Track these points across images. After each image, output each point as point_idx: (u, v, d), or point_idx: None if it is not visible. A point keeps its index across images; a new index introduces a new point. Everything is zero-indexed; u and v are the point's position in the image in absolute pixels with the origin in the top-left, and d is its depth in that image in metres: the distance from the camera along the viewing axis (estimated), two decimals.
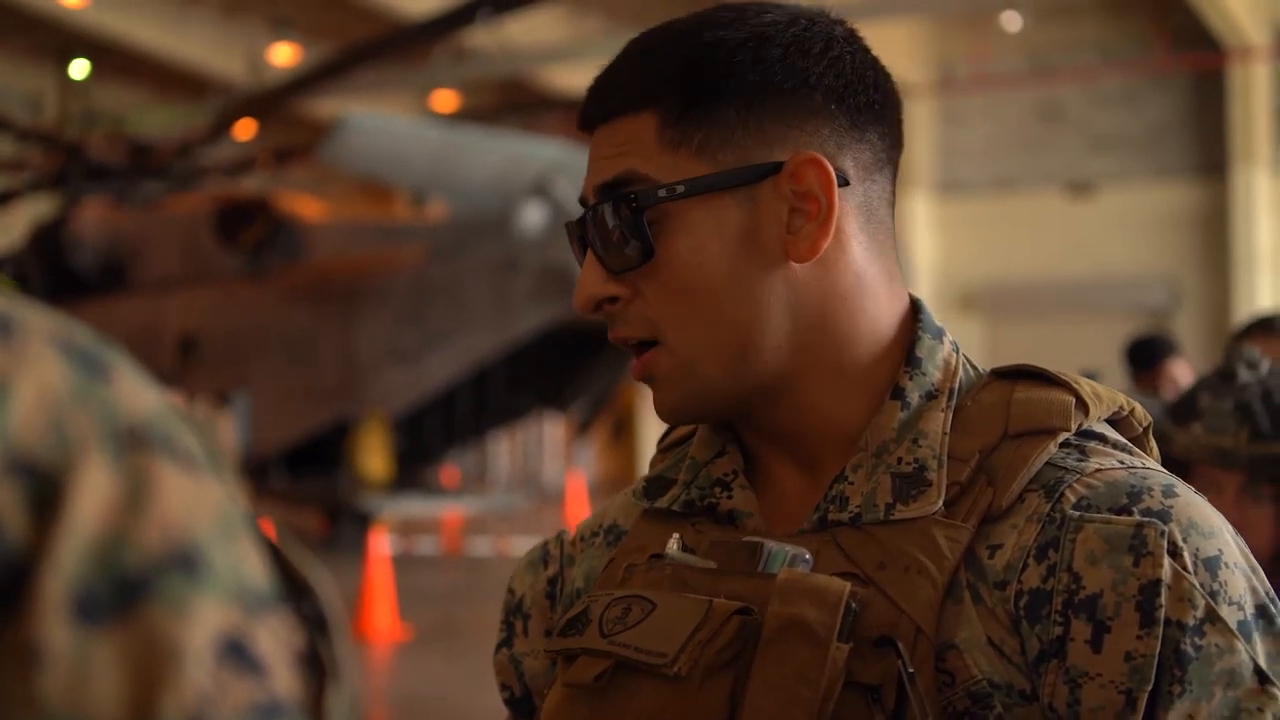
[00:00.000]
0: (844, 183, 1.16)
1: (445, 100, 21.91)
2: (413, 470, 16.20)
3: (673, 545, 1.19)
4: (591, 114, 1.20)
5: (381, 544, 10.93)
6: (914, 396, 1.17)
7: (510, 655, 1.35)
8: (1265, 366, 2.26)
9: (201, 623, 0.52)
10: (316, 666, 0.60)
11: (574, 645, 1.16)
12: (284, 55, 20.01)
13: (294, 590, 0.62)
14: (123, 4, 19.25)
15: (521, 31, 16.91)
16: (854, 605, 1.07)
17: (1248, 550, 1.10)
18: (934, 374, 1.18)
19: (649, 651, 1.10)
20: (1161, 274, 19.78)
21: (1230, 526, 1.11)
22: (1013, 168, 20.54)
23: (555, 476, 23.61)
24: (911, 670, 1.05)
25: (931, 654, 1.06)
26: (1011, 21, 19.54)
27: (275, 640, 0.55)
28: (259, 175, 18.78)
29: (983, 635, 1.07)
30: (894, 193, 1.22)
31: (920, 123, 20.83)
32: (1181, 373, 5.79)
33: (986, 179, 21.05)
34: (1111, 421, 1.20)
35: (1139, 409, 1.21)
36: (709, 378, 1.16)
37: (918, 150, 20.87)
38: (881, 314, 1.19)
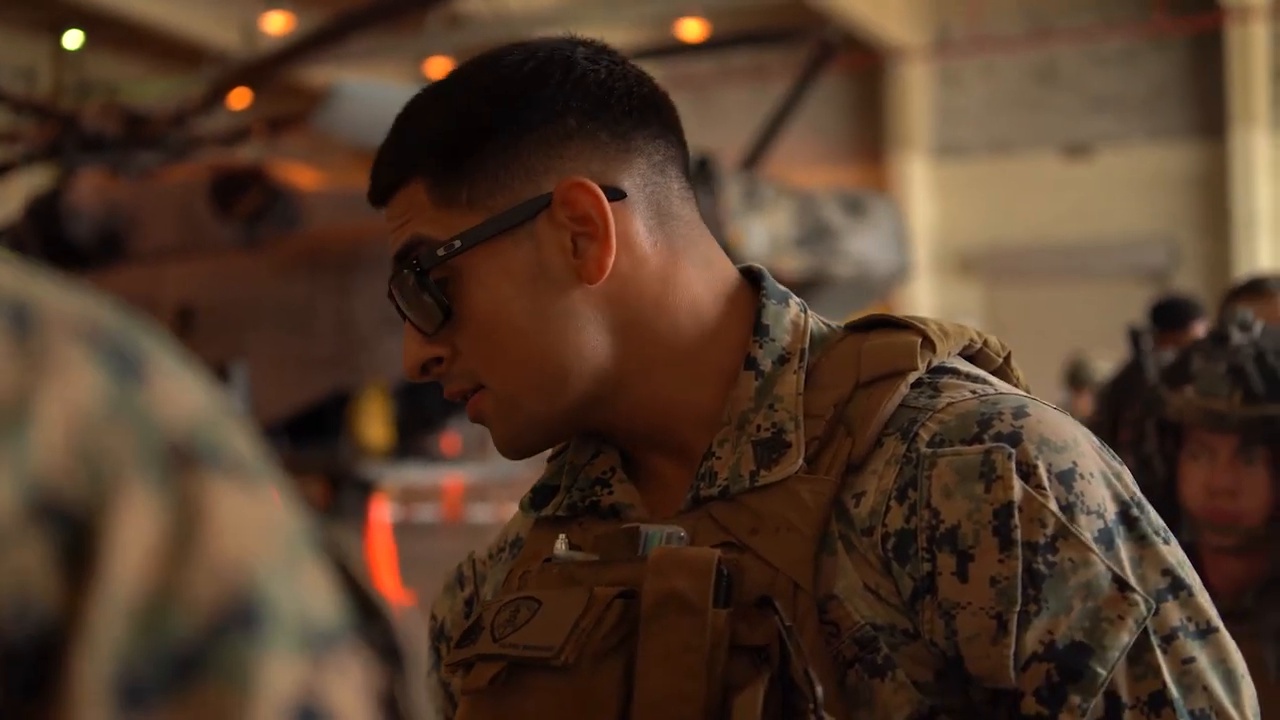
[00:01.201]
0: (619, 195, 1.18)
1: (439, 67, 21.81)
2: (413, 438, 16.20)
3: (560, 546, 1.22)
4: (373, 193, 1.25)
5: (383, 512, 10.95)
6: (766, 364, 1.19)
7: (439, 679, 1.37)
8: (1258, 328, 2.25)
9: (268, 693, 0.44)
10: (393, 709, 0.53)
11: (469, 654, 1.20)
12: (277, 24, 19.93)
13: (364, 615, 0.55)
14: None
15: None
16: (725, 570, 1.09)
17: (1111, 456, 1.12)
18: (783, 338, 1.20)
19: (538, 647, 1.13)
20: (1160, 235, 19.74)
21: (1091, 436, 1.13)
22: (1010, 130, 20.46)
23: None
24: (789, 624, 1.07)
25: (814, 607, 1.09)
26: None
27: (348, 685, 0.47)
28: (254, 145, 18.72)
29: (859, 582, 1.10)
30: (688, 184, 1.25)
31: (916, 86, 20.76)
32: None
33: (984, 142, 20.96)
34: (968, 357, 1.22)
35: (993, 340, 1.24)
36: (534, 410, 1.20)
37: (914, 114, 20.80)
38: (702, 300, 1.22)
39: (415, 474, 15.74)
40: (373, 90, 15.09)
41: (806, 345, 1.20)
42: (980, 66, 21.04)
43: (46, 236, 17.33)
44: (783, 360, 1.19)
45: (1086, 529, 1.06)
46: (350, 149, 19.38)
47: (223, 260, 15.90)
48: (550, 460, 1.35)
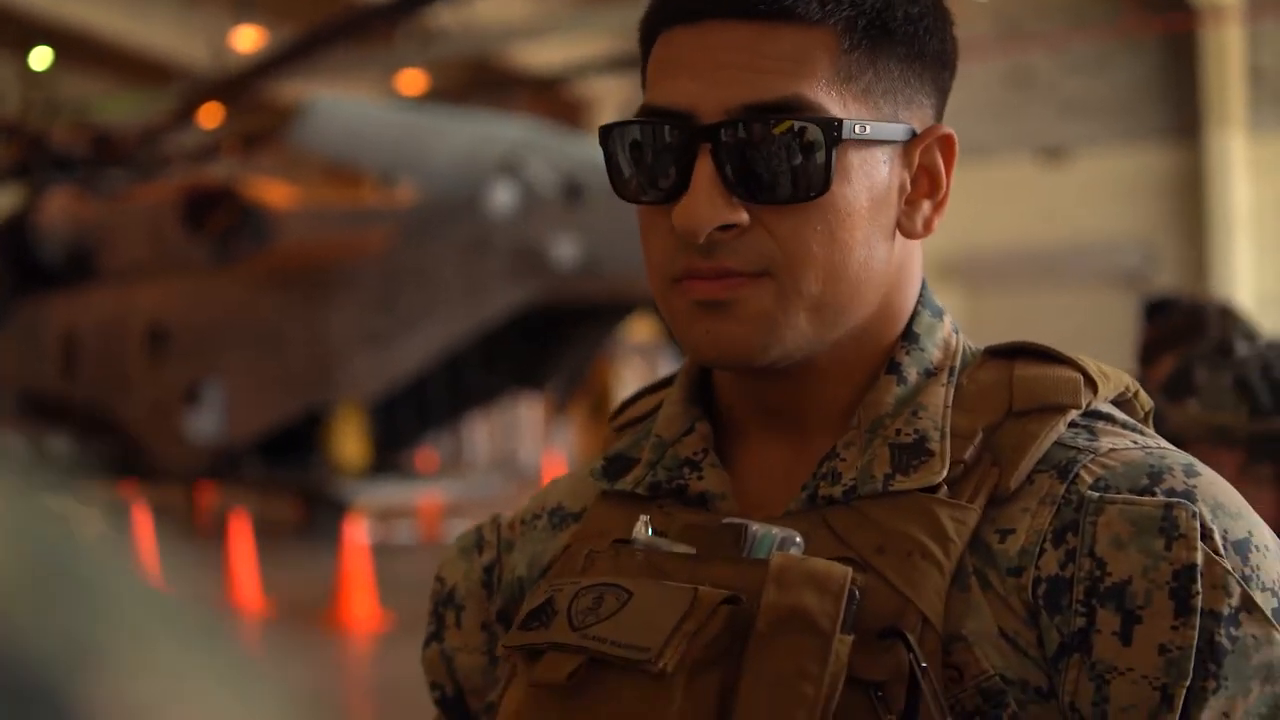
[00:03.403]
0: None
1: (412, 81, 21.76)
2: (388, 455, 16.11)
3: (641, 529, 1.07)
4: (743, 3, 1.02)
5: (358, 532, 10.83)
6: (911, 373, 1.08)
7: (441, 650, 1.23)
8: (1262, 340, 2.15)
9: None
10: None
11: (539, 640, 1.03)
12: (247, 39, 19.83)
13: None
14: None
15: (487, 10, 16.75)
16: (857, 592, 0.96)
17: (1273, 532, 1.01)
18: (933, 351, 1.09)
19: (628, 645, 0.98)
20: (1137, 239, 19.75)
21: (1251, 508, 1.02)
22: (985, 135, 20.46)
23: (533, 457, 23.53)
24: (924, 665, 0.94)
25: (939, 647, 0.96)
26: None
27: None
28: (225, 161, 18.62)
29: (993, 626, 0.98)
30: None
31: None
32: None
33: (959, 147, 20.96)
34: (1116, 403, 1.10)
35: (1143, 393, 1.12)
36: (801, 328, 1.04)
37: None
38: (910, 292, 1.11)
39: (391, 492, 15.64)
40: (345, 105, 15.03)
41: (957, 364, 1.09)
42: None
43: (15, 257, 17.22)
44: (929, 373, 1.08)
45: (1264, 605, 0.95)
46: (322, 164, 19.29)
47: (194, 279, 15.78)
48: (620, 429, 1.21)
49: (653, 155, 1.04)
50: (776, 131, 1.00)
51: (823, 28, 1.02)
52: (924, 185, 1.08)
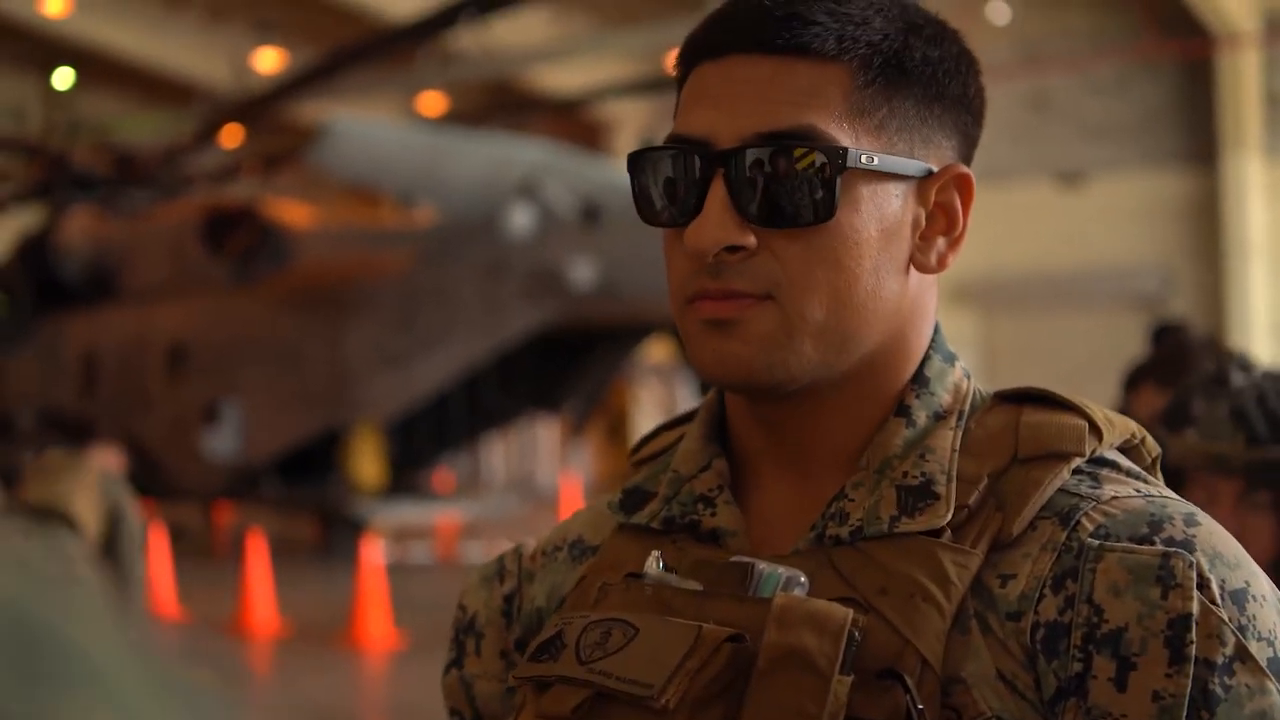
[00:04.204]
0: None
1: (432, 103, 21.83)
2: (405, 475, 16.13)
3: (652, 564, 1.10)
4: (756, 39, 1.07)
5: (375, 551, 10.86)
6: (920, 416, 1.10)
7: (461, 676, 1.26)
8: (1258, 370, 2.18)
9: None
10: None
11: (548, 672, 1.07)
12: (269, 60, 19.93)
13: None
14: (105, 12, 19.18)
15: (507, 32, 16.83)
16: (857, 634, 0.99)
17: (1271, 582, 1.04)
18: (943, 395, 1.11)
19: (632, 681, 1.01)
20: (1154, 263, 19.73)
21: (1250, 557, 1.04)
22: (1004, 159, 20.47)
23: (550, 478, 23.53)
24: (921, 707, 0.97)
25: (938, 689, 0.99)
26: (999, 14, 19.48)
27: None
28: (245, 182, 18.70)
29: (992, 669, 1.00)
30: None
31: None
32: None
33: (978, 170, 20.57)
34: (1122, 450, 1.12)
35: (1150, 439, 1.14)
36: (804, 354, 1.07)
37: None
38: (923, 333, 1.13)
39: (408, 512, 15.66)
40: (365, 127, 15.09)
41: (966, 409, 1.11)
42: None
43: (38, 276, 17.30)
44: (938, 417, 1.10)
45: (1259, 655, 0.97)
46: (341, 186, 19.36)
47: (214, 298, 15.84)
48: (639, 463, 1.24)
49: (674, 180, 1.09)
50: (785, 158, 1.04)
51: (838, 64, 1.06)
52: (940, 222, 1.10)
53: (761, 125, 1.05)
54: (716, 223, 1.05)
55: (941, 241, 1.11)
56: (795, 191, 1.04)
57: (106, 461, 6.31)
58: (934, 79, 1.09)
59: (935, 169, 1.10)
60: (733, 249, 1.06)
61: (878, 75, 1.07)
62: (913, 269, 1.10)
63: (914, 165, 1.08)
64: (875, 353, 1.10)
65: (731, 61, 1.08)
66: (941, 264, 1.10)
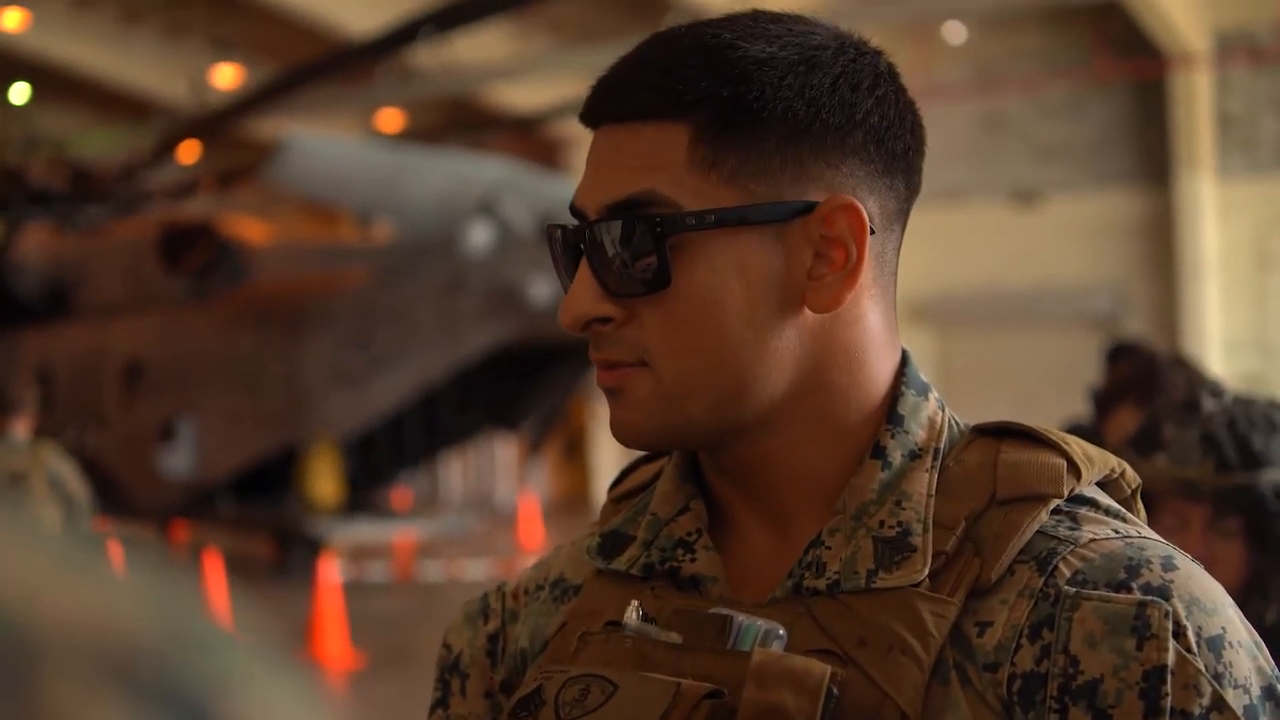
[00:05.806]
0: (870, 231, 1.08)
1: (390, 120, 21.79)
2: (363, 494, 16.05)
3: (631, 615, 1.10)
4: (606, 110, 1.09)
5: (332, 570, 10.81)
6: (895, 456, 1.09)
7: (446, 717, 1.26)
8: (1229, 395, 2.21)
9: None
10: None
11: None
12: (226, 76, 19.85)
13: None
14: (63, 27, 19.05)
15: (467, 50, 16.82)
16: (835, 691, 0.99)
17: (1249, 625, 1.04)
18: (918, 432, 1.10)
19: None
20: (1109, 282, 19.86)
21: (1229, 599, 1.04)
22: (959, 179, 20.58)
23: (508, 496, 23.47)
24: None
25: None
26: (954, 33, 19.59)
27: None
28: (202, 198, 18.60)
29: None
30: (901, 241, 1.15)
31: None
32: None
33: (933, 190, 21.02)
34: (1101, 484, 1.12)
35: (1129, 471, 1.14)
36: (691, 414, 1.07)
37: None
38: (879, 370, 1.11)
39: (365, 530, 15.58)
40: (324, 143, 15.03)
41: (943, 445, 1.10)
42: (928, 117, 21.04)
43: None
44: (914, 456, 1.09)
45: (1234, 703, 0.97)
46: (299, 202, 19.29)
47: (171, 315, 15.75)
48: (617, 500, 1.23)
49: (562, 252, 1.12)
50: (623, 228, 1.05)
51: (679, 123, 1.05)
52: (832, 257, 1.07)
53: (609, 195, 1.07)
54: (579, 296, 1.07)
55: (831, 277, 1.07)
56: (636, 260, 1.05)
57: (19, 428, 6.24)
58: (793, 114, 1.05)
59: (818, 202, 1.06)
60: (604, 320, 1.07)
61: (721, 126, 1.05)
62: (807, 310, 1.07)
63: (779, 209, 1.06)
64: (801, 394, 1.09)
65: (602, 131, 1.10)
66: (836, 301, 1.07)
